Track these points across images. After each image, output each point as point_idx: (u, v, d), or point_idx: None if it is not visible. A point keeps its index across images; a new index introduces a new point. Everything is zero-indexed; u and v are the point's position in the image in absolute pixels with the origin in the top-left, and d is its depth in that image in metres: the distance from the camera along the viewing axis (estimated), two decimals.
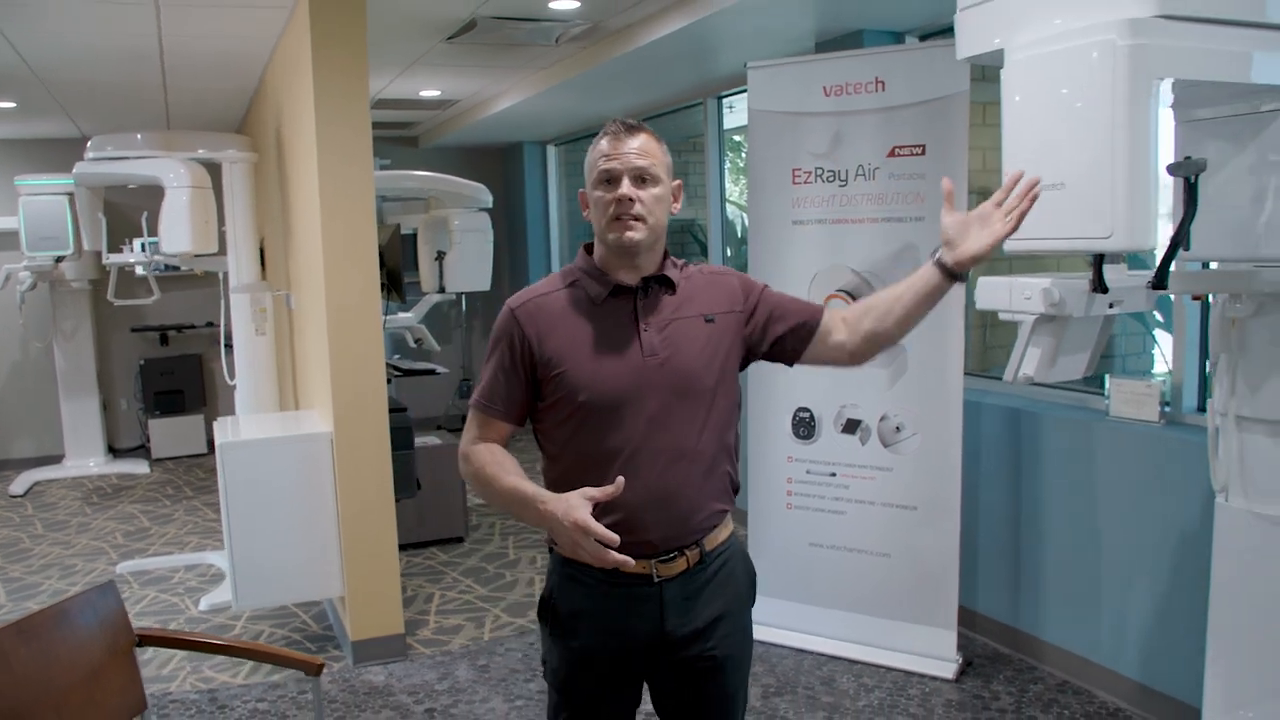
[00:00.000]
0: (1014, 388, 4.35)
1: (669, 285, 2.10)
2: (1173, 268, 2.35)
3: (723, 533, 2.13)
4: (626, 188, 1.99)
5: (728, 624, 2.12)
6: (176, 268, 6.91)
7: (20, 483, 7.92)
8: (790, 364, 2.21)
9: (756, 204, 4.40)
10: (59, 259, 7.74)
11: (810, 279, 4.23)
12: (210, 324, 8.80)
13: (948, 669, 4.04)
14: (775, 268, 4.30)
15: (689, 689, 2.12)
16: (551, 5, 4.56)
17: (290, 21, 4.60)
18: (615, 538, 1.82)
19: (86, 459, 8.39)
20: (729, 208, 7.03)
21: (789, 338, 2.14)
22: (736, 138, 7.10)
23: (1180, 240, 2.35)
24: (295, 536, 4.31)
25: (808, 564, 4.34)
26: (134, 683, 2.77)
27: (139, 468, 8.37)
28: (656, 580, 2.03)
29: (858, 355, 2.15)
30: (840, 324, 2.14)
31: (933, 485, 4.06)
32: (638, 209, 1.99)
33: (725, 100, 6.67)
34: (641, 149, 2.01)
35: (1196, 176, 2.31)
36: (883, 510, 4.18)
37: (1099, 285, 2.28)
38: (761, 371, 4.29)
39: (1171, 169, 2.32)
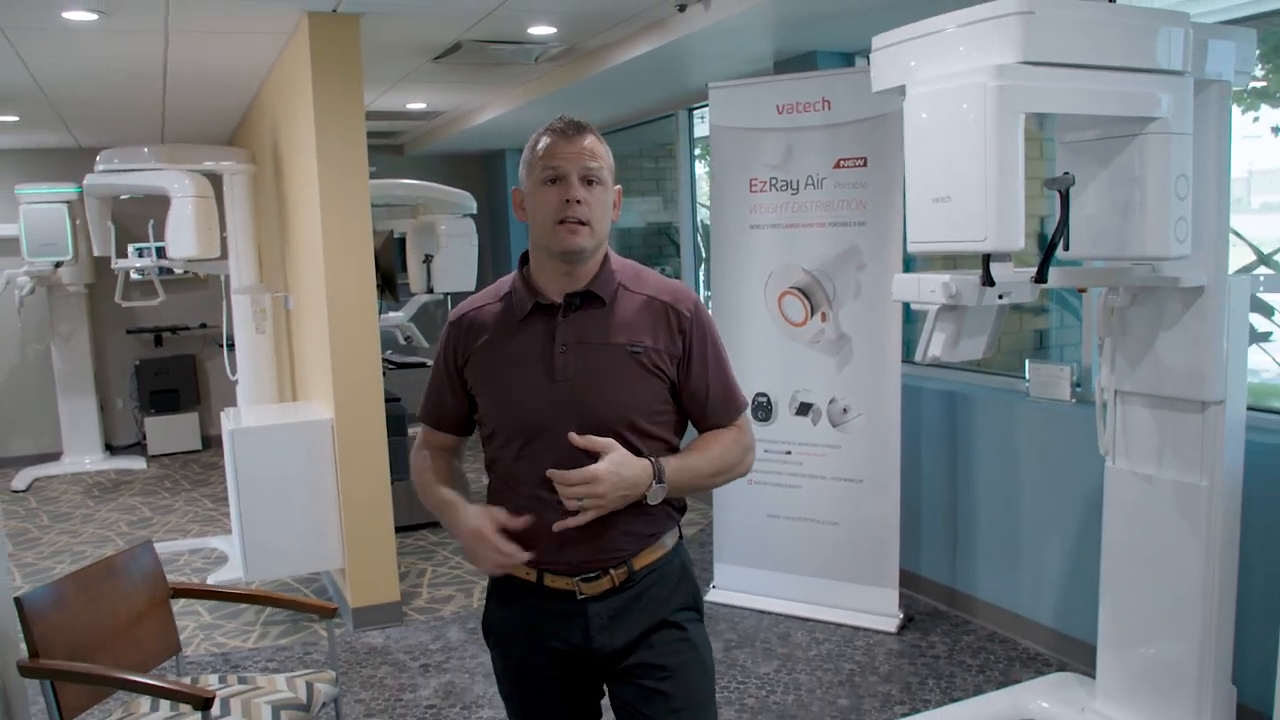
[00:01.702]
0: (951, 374, 4.84)
1: (598, 301, 1.98)
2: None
3: (655, 552, 2.04)
4: (576, 189, 1.90)
5: (665, 634, 2.03)
6: (171, 271, 7.35)
7: (21, 478, 8.28)
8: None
9: (718, 210, 4.87)
10: (58, 264, 8.12)
11: (766, 277, 4.70)
12: (204, 325, 9.21)
13: (890, 624, 4.51)
14: (735, 268, 4.77)
15: (642, 705, 2.02)
16: (531, 30, 5.01)
17: (288, 44, 5.03)
18: (509, 548, 1.87)
19: (84, 456, 8.76)
20: (703, 211, 7.48)
21: (688, 411, 2.07)
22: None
23: (1057, 242, 2.83)
24: (300, 513, 4.74)
25: (766, 533, 4.80)
26: (170, 629, 3.21)
27: (136, 464, 8.75)
28: (580, 597, 1.98)
29: None
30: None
31: (876, 460, 4.53)
32: (584, 212, 1.90)
33: (696, 111, 7.13)
34: (590, 149, 1.93)
35: (1068, 190, 2.79)
36: (832, 484, 4.64)
37: (987, 279, 2.74)
38: None
39: (1047, 184, 2.80)
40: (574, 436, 1.88)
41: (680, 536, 2.13)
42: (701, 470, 2.02)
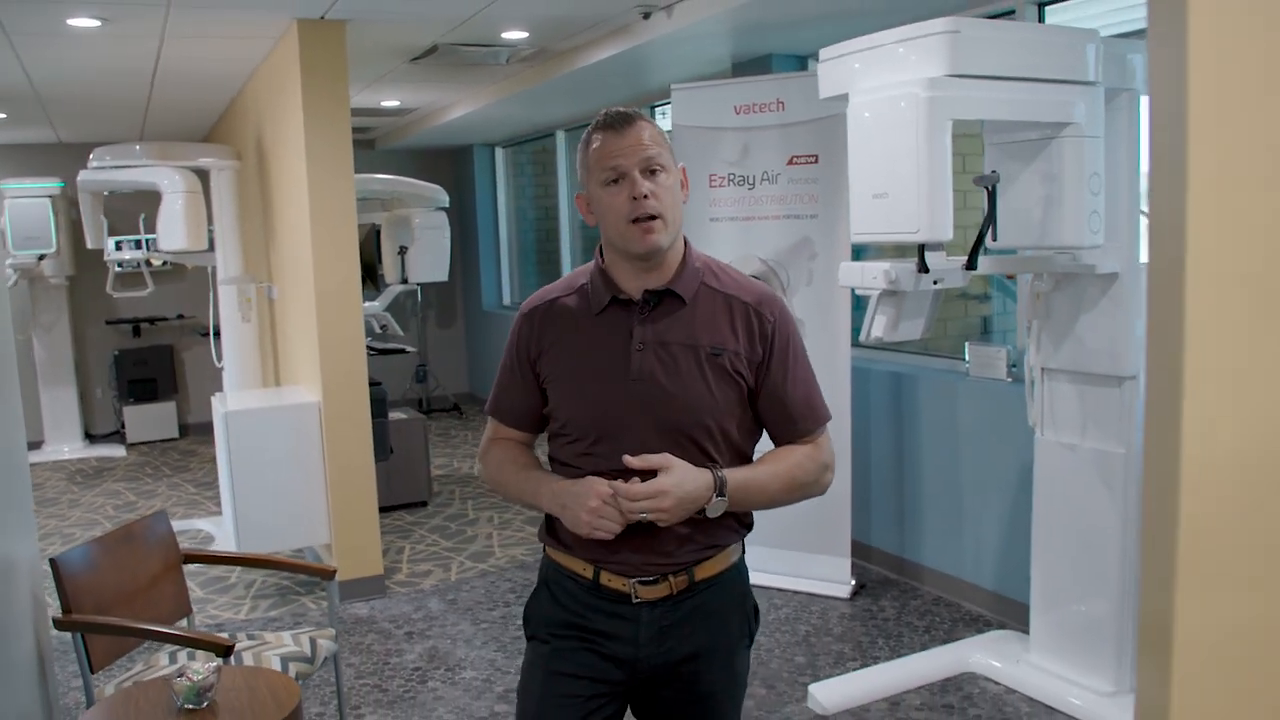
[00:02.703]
0: (897, 356, 5.20)
1: (677, 300, 1.91)
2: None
3: (720, 564, 1.96)
4: (640, 183, 1.82)
5: (709, 660, 1.97)
6: (149, 264, 7.61)
7: None
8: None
9: None
10: (40, 257, 8.33)
11: None
12: (181, 316, 9.42)
13: (844, 590, 4.86)
14: None
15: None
16: (504, 35, 5.31)
17: (275, 47, 5.30)
18: (639, 488, 1.80)
19: (64, 444, 8.96)
20: None
21: (765, 420, 1.98)
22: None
23: (985, 232, 3.18)
24: (288, 491, 5.03)
25: None
26: (182, 591, 3.49)
27: (116, 451, 8.96)
28: (636, 601, 1.91)
29: None
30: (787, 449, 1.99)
31: None
32: (654, 206, 1.82)
33: (659, 109, 7.45)
34: (646, 137, 1.85)
35: (994, 186, 3.14)
36: None
37: (922, 267, 3.08)
38: None
39: (975, 180, 3.15)
40: (629, 459, 1.82)
41: (743, 551, 2.06)
42: (767, 486, 1.92)
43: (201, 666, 2.51)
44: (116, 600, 3.17)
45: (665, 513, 1.81)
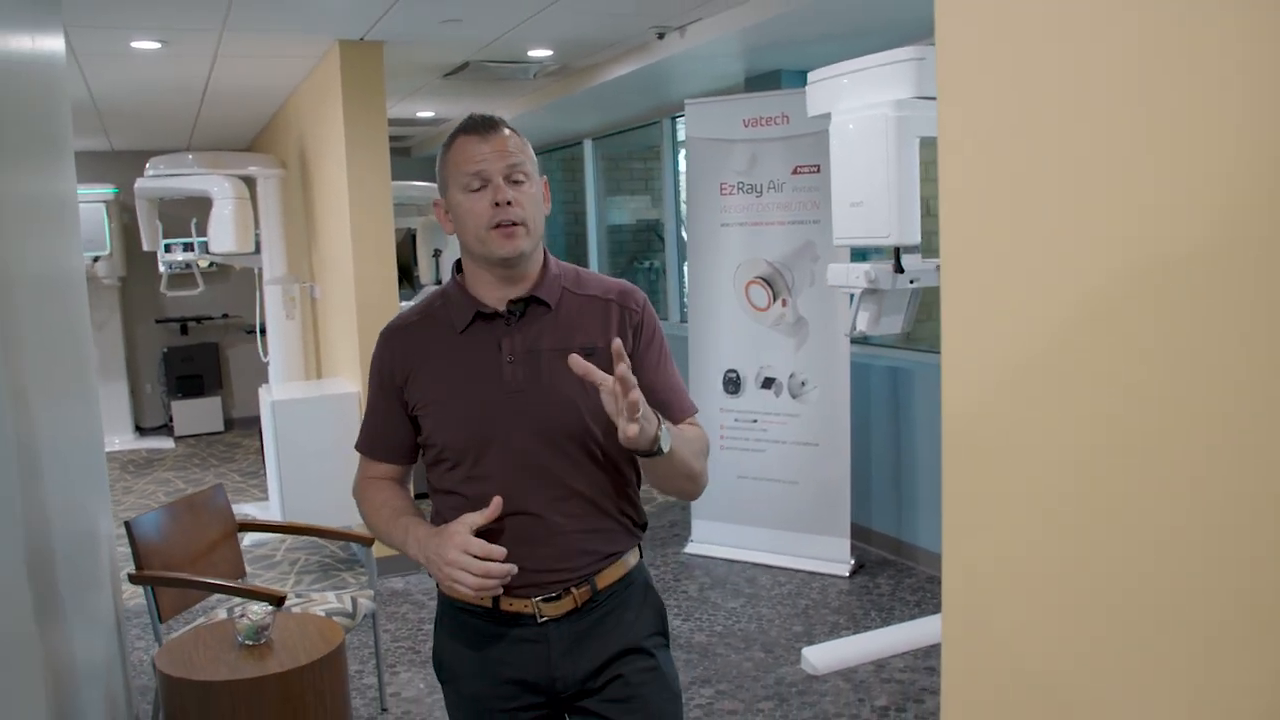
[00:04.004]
0: (895, 352, 5.56)
1: (543, 306, 1.84)
2: None
3: (618, 570, 1.89)
4: (504, 190, 1.75)
5: (632, 661, 1.89)
6: (185, 266, 8.09)
7: None
8: None
9: (693, 211, 5.58)
10: (95, 259, 8.82)
11: (735, 269, 5.40)
12: (225, 315, 9.91)
13: (843, 569, 5.22)
14: (709, 261, 5.48)
15: None
16: (530, 53, 5.71)
17: (318, 65, 5.73)
18: (500, 550, 1.69)
19: (115, 436, 9.45)
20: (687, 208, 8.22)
21: None
22: None
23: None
24: (330, 473, 5.43)
25: (736, 492, 5.51)
26: (237, 556, 3.91)
27: (165, 443, 9.46)
28: (540, 620, 1.83)
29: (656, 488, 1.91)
30: None
31: (830, 426, 5.24)
32: (516, 213, 1.76)
33: (678, 120, 7.85)
34: (510, 144, 1.78)
35: None
36: (792, 448, 5.35)
37: (897, 268, 3.45)
38: (698, 340, 5.48)
39: None
40: (575, 359, 1.66)
41: (641, 555, 1.99)
42: (689, 440, 1.85)
43: (259, 608, 2.92)
44: (181, 562, 3.59)
45: (638, 403, 1.63)
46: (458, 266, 1.90)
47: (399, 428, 1.90)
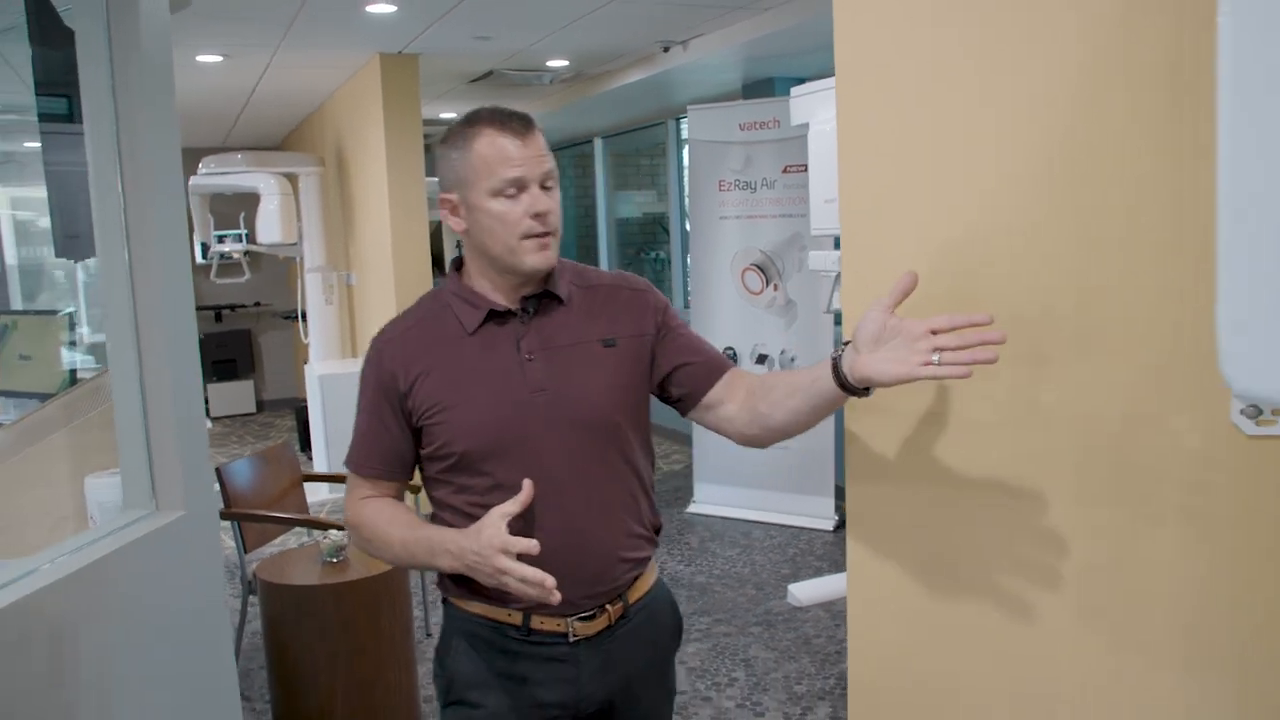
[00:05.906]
0: None
1: (555, 301, 1.75)
2: None
3: (647, 580, 1.84)
4: (542, 199, 1.66)
5: (644, 681, 1.87)
6: (230, 256, 8.71)
7: None
8: (681, 412, 1.84)
9: (695, 206, 6.22)
10: None
11: (732, 257, 6.04)
12: (258, 304, 10.55)
13: (828, 524, 5.86)
14: (709, 251, 6.12)
15: None
16: (549, 63, 6.35)
17: (357, 74, 6.37)
18: (534, 544, 1.53)
19: None
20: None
21: (683, 377, 1.78)
22: None
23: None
24: None
25: (733, 457, 6.13)
26: (303, 500, 4.55)
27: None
28: (573, 640, 1.74)
29: (749, 439, 1.77)
30: (738, 393, 1.76)
31: None
32: (552, 221, 1.68)
33: (682, 121, 8.48)
34: (545, 148, 1.68)
35: None
36: None
37: None
38: (700, 321, 6.12)
39: None
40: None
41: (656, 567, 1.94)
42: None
43: (337, 533, 3.57)
44: (262, 502, 4.24)
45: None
46: (456, 265, 1.82)
47: (400, 440, 1.75)
